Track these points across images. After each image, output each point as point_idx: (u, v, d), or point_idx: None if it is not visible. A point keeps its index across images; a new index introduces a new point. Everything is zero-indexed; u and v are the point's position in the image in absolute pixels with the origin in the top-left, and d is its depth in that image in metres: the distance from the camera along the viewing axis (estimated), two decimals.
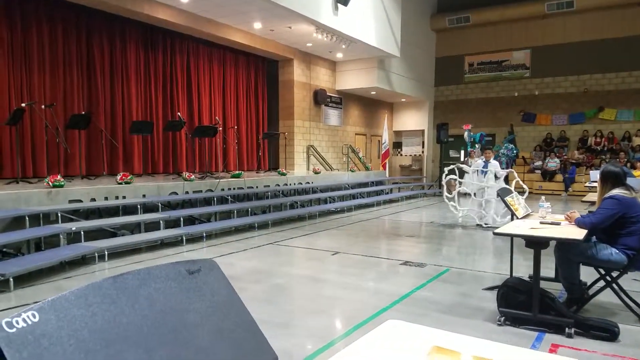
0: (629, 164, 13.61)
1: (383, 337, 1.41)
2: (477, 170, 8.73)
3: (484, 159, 8.74)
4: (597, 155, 15.83)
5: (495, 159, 9.51)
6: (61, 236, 5.76)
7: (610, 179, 3.70)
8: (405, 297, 4.37)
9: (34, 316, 0.88)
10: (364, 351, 1.32)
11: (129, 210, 7.12)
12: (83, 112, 8.45)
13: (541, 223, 3.99)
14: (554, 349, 3.17)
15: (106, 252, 5.85)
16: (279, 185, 10.18)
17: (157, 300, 1.09)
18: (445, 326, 3.14)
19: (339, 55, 13.87)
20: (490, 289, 4.55)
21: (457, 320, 3.78)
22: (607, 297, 3.85)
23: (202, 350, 1.09)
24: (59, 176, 6.50)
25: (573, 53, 16.44)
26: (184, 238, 6.98)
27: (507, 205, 4.67)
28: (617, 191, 3.61)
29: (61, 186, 6.32)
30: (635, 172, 11.79)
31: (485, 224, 8.61)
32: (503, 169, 9.40)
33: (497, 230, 3.80)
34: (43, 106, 7.89)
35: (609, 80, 16.12)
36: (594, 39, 16.04)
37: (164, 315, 1.08)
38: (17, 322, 0.85)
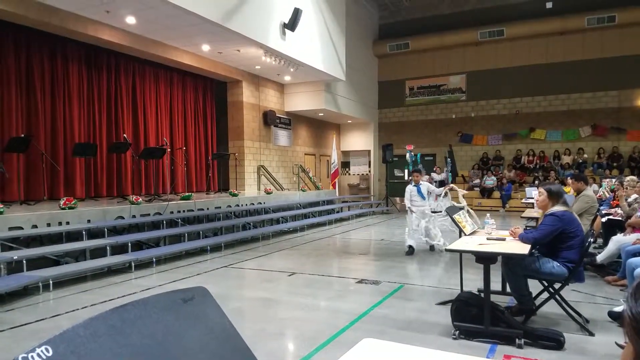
0: (557, 181, 14.72)
1: (361, 356, 1.50)
2: (411, 193, 7.98)
3: (413, 183, 7.99)
4: (530, 173, 17.00)
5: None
6: (1, 266, 5.39)
7: (554, 197, 4.01)
8: (363, 316, 4.48)
9: (47, 350, 0.89)
10: None
11: (73, 236, 6.78)
12: (22, 135, 7.99)
13: (488, 239, 4.25)
14: (506, 359, 3.37)
15: (51, 282, 5.54)
16: (230, 206, 10.06)
17: (158, 330, 1.12)
18: (404, 342, 3.26)
19: (287, 78, 14.08)
20: (443, 303, 4.76)
21: (415, 335, 3.92)
22: (550, 307, 4.13)
23: None
24: None
25: (504, 78, 17.72)
26: (133, 264, 6.74)
27: (454, 222, 4.94)
28: (557, 208, 3.92)
29: (0, 213, 5.93)
30: (565, 189, 12.76)
31: (430, 245, 8.16)
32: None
33: (448, 247, 4.04)
34: None
35: (538, 102, 17.48)
36: (522, 64, 17.40)
37: (165, 344, 1.11)
38: (32, 358, 0.86)
